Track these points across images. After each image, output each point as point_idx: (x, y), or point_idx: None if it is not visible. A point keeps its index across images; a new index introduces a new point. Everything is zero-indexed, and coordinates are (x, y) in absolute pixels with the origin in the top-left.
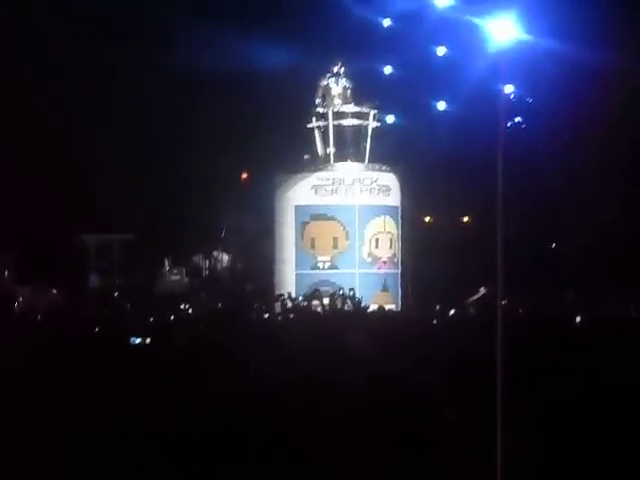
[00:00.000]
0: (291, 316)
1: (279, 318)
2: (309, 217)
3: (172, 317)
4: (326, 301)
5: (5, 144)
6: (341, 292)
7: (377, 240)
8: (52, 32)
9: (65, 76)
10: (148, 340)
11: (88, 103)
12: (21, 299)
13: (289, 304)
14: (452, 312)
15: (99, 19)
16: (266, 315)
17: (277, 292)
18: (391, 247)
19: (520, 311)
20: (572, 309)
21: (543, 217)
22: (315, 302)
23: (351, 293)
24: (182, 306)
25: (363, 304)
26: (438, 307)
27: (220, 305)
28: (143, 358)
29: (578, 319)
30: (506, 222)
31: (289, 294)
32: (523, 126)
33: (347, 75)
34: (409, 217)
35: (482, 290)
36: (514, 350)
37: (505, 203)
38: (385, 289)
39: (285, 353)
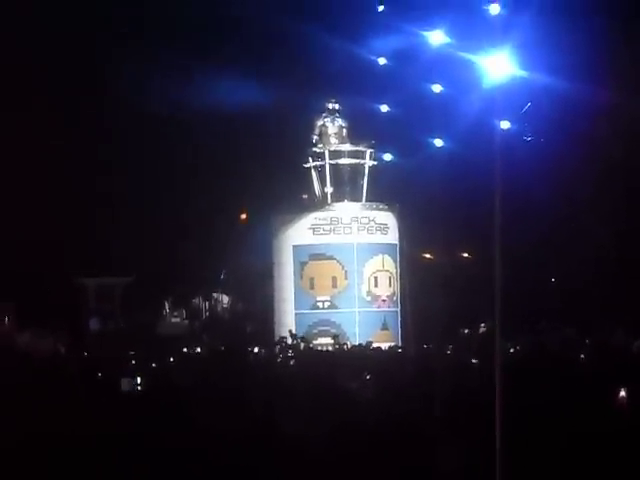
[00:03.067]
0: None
1: (278, 360)
2: (307, 257)
3: (172, 359)
4: (328, 340)
5: (5, 187)
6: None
7: (376, 279)
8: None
9: (62, 119)
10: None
11: (87, 147)
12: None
13: (289, 341)
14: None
15: (93, 54)
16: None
17: (277, 332)
18: (390, 285)
19: (518, 348)
20: (574, 346)
21: (542, 253)
22: (320, 340)
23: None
24: (184, 349)
25: (363, 342)
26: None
27: (222, 347)
28: (142, 402)
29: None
30: (505, 258)
31: (290, 331)
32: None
33: (343, 114)
34: (407, 255)
35: (482, 327)
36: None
37: (503, 239)
38: (385, 327)
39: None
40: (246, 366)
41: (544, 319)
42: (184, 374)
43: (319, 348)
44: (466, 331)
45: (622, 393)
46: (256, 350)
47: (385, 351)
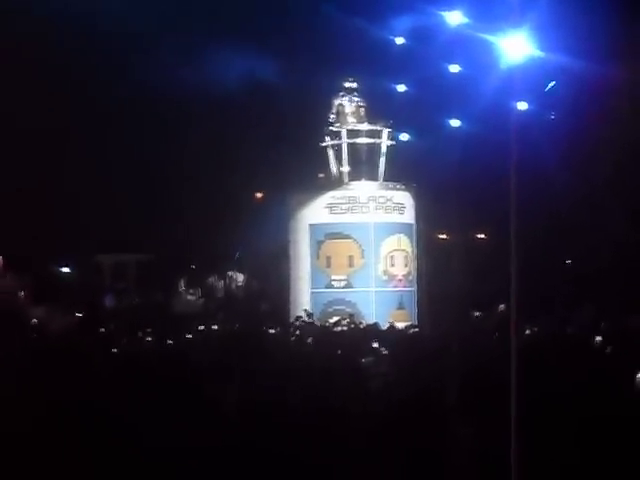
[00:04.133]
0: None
1: (292, 338)
2: (324, 236)
3: (188, 336)
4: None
5: (22, 161)
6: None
7: (392, 258)
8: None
9: (74, 95)
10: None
11: (102, 122)
12: (36, 320)
13: (306, 319)
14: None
15: (96, 35)
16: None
17: (293, 311)
18: (406, 265)
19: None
20: (590, 327)
21: (559, 234)
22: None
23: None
24: (200, 327)
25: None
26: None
27: (237, 326)
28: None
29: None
30: (521, 238)
31: (305, 310)
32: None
33: (360, 93)
34: (424, 234)
35: (501, 307)
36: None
37: (519, 219)
38: (401, 307)
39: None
40: (262, 346)
41: (561, 301)
42: (201, 353)
43: (336, 328)
44: (477, 314)
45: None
46: (272, 331)
47: (401, 330)
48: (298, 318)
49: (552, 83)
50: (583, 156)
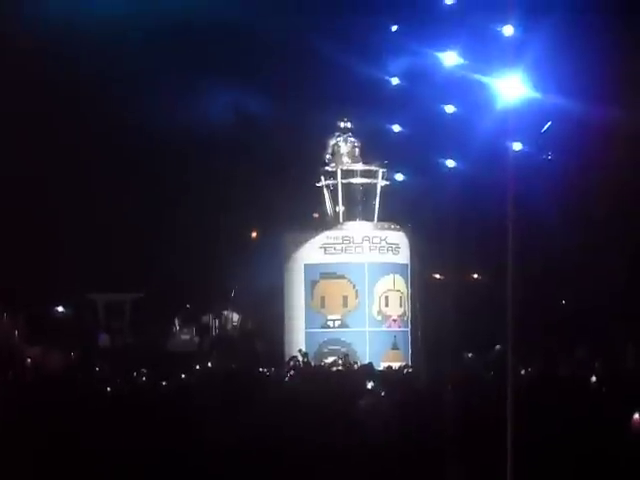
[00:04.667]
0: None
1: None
2: (318, 276)
3: (183, 377)
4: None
5: (18, 203)
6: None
7: (387, 298)
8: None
9: (78, 137)
10: None
11: (99, 164)
12: (30, 360)
13: (300, 359)
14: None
15: (99, 74)
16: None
17: (287, 350)
18: (401, 305)
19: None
20: (585, 367)
21: (554, 274)
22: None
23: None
24: (196, 367)
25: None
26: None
27: (233, 366)
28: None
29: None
30: (516, 279)
31: (300, 350)
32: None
33: (355, 133)
34: (419, 275)
35: (497, 347)
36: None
37: (515, 260)
38: (395, 347)
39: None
40: (259, 387)
41: (555, 341)
42: (199, 393)
43: (332, 368)
44: (470, 355)
45: (636, 416)
46: (267, 372)
47: (396, 370)
48: (292, 358)
49: (548, 124)
50: (579, 197)
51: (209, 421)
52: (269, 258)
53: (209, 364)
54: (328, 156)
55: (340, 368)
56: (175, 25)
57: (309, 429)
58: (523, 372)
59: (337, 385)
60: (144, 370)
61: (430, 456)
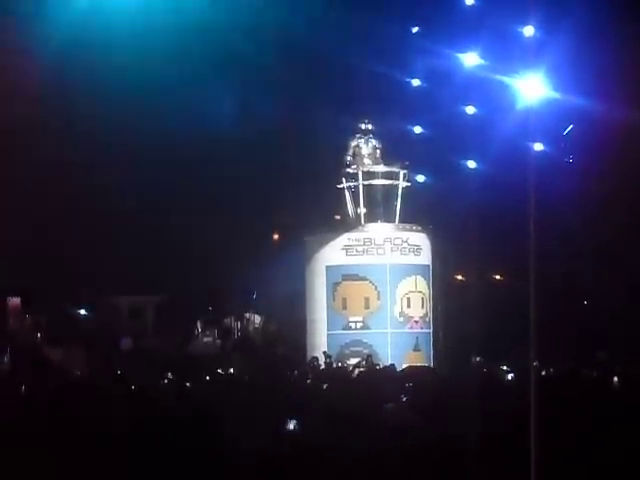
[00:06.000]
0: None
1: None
2: (340, 277)
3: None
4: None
5: (39, 203)
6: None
7: (409, 299)
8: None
9: (98, 139)
10: None
11: (124, 168)
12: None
13: (322, 361)
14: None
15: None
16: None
17: (309, 352)
18: (423, 306)
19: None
20: (606, 370)
21: (575, 276)
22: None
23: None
24: (218, 370)
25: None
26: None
27: (257, 371)
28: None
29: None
30: (538, 280)
31: (324, 352)
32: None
33: (376, 135)
34: (440, 276)
35: (518, 349)
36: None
37: (537, 261)
38: (417, 348)
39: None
40: (283, 392)
41: (578, 343)
42: (222, 398)
43: (355, 370)
44: (477, 359)
45: None
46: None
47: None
48: (314, 359)
49: (570, 127)
50: (600, 199)
51: (229, 432)
52: (291, 260)
53: (231, 370)
54: (349, 158)
55: (362, 369)
56: (189, 25)
57: (333, 436)
58: (544, 373)
59: (362, 388)
60: (168, 374)
61: (455, 458)
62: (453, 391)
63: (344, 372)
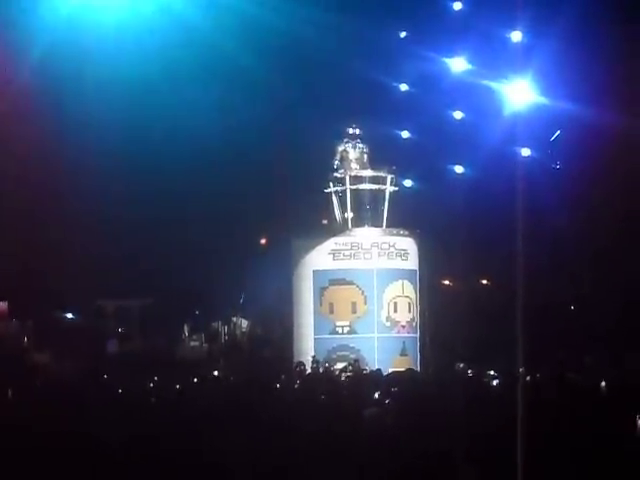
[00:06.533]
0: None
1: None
2: (327, 282)
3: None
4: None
5: (26, 207)
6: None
7: (395, 304)
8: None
9: (87, 144)
10: None
11: (112, 173)
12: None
13: (309, 366)
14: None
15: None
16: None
17: (296, 356)
18: (410, 311)
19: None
20: (594, 374)
21: (563, 281)
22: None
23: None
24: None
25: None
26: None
27: (244, 375)
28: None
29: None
30: (525, 285)
31: (313, 357)
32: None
33: (364, 139)
34: (427, 281)
35: (504, 354)
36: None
37: (524, 266)
38: (404, 353)
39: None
40: (270, 396)
41: (564, 347)
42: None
43: (342, 375)
44: (461, 365)
45: None
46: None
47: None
48: (299, 364)
49: (557, 133)
50: (588, 204)
51: (213, 437)
52: (278, 265)
53: (215, 373)
54: (337, 162)
55: (349, 374)
56: (177, 30)
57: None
58: (529, 378)
59: (347, 393)
60: (154, 377)
61: (434, 461)
62: (435, 394)
63: (330, 377)
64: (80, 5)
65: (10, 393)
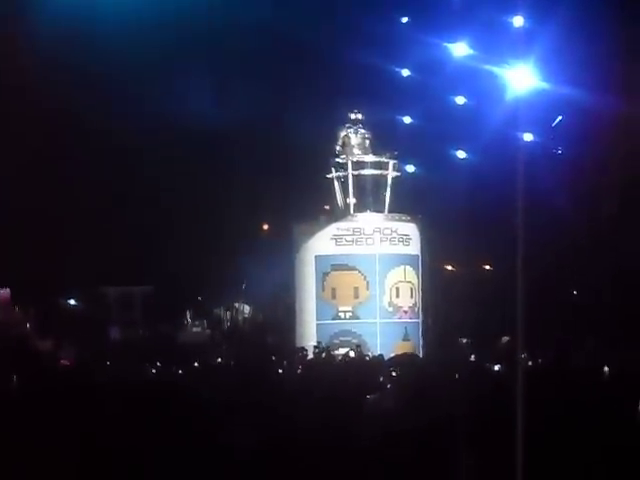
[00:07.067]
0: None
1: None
2: (330, 267)
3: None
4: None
5: (28, 194)
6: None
7: (398, 289)
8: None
9: (84, 134)
10: None
11: (111, 161)
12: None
13: (311, 352)
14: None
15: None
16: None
17: (298, 342)
18: (412, 296)
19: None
20: (595, 359)
21: (565, 266)
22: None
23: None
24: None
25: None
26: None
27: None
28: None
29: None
30: (526, 270)
31: (320, 343)
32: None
33: (366, 125)
34: (429, 266)
35: (505, 339)
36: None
37: (525, 251)
38: (406, 338)
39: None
40: (272, 382)
41: (566, 332)
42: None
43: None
44: (464, 340)
45: None
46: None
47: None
48: (301, 350)
49: (559, 118)
50: (590, 190)
51: (218, 422)
52: (280, 250)
53: (219, 359)
54: (338, 148)
55: (350, 359)
56: (174, 16)
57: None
58: (531, 363)
59: (348, 378)
60: (157, 363)
61: (433, 444)
62: (436, 378)
63: (333, 362)
64: None
65: (15, 379)
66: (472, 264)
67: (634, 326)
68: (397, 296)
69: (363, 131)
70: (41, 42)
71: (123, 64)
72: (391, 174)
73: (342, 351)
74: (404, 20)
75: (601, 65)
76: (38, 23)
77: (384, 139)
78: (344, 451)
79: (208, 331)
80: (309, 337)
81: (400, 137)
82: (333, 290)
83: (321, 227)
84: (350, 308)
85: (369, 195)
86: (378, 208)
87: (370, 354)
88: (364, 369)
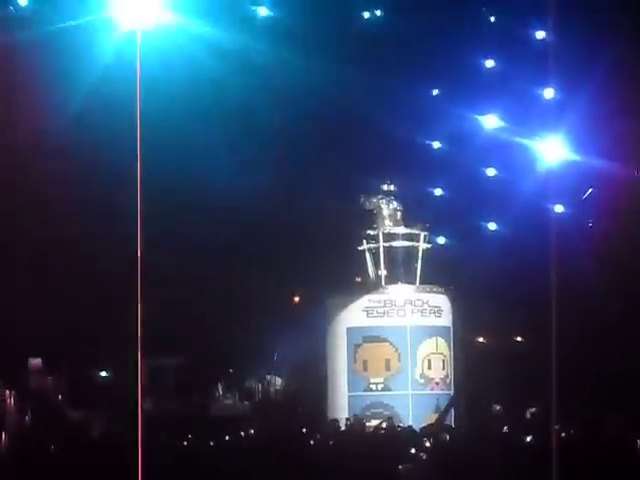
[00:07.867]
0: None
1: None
2: (361, 339)
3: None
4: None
5: (58, 260)
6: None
7: (429, 361)
8: None
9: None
10: None
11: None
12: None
13: (343, 423)
14: None
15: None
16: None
17: (330, 414)
18: (443, 368)
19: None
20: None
21: (598, 337)
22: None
23: None
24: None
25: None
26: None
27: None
28: None
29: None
30: (559, 342)
31: (356, 416)
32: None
33: (397, 196)
34: (461, 337)
35: (532, 410)
36: None
37: (558, 323)
38: (438, 410)
39: None
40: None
41: (601, 404)
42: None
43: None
44: (497, 407)
45: None
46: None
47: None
48: (334, 422)
49: (589, 191)
50: (620, 260)
51: None
52: (312, 322)
53: (252, 431)
54: (370, 219)
55: (383, 431)
56: (203, 82)
57: None
58: (563, 434)
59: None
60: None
61: None
62: (468, 451)
63: (365, 433)
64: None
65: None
66: (503, 335)
67: None
68: (429, 368)
69: (395, 203)
70: None
71: (149, 127)
72: (422, 246)
73: (374, 423)
74: (435, 92)
75: (632, 137)
76: None
77: (415, 210)
78: None
79: (240, 403)
80: (341, 409)
81: (431, 208)
82: (365, 362)
83: (353, 299)
84: (382, 380)
85: (400, 267)
86: (409, 280)
87: (402, 425)
88: (396, 440)
